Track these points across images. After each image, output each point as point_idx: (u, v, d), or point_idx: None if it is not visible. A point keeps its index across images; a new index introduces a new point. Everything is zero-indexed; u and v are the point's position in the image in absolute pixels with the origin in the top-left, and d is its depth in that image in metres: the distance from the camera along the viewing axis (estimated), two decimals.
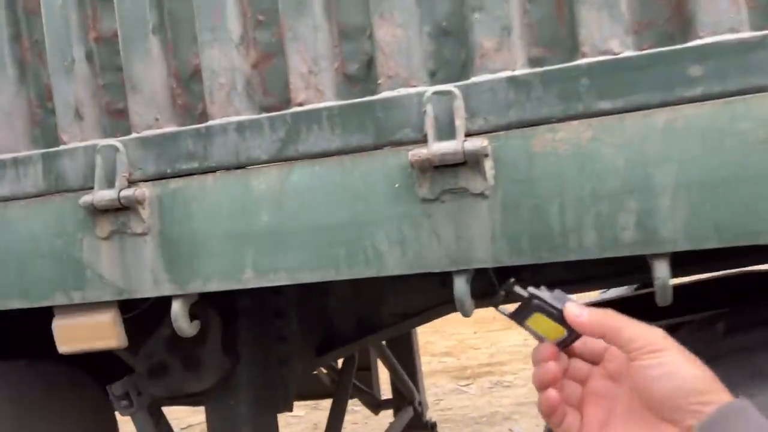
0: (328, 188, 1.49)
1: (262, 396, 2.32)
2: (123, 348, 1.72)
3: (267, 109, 1.58)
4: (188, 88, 1.64)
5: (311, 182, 1.50)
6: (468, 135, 1.39)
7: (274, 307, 2.38)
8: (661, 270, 1.29)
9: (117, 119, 1.70)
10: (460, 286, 1.43)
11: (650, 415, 0.72)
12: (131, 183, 1.62)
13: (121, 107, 1.67)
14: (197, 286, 1.58)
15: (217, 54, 1.55)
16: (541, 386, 0.80)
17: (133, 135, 1.63)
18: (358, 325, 2.55)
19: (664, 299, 1.31)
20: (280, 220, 1.52)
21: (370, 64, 1.51)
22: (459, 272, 1.42)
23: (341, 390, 3.46)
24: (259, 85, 1.59)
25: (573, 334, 0.82)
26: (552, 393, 0.79)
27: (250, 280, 1.54)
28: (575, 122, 1.33)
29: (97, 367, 2.53)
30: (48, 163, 1.69)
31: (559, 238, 1.34)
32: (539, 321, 0.83)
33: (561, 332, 0.81)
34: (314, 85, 1.49)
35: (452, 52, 1.46)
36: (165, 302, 1.65)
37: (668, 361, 0.71)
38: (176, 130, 1.59)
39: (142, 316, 1.88)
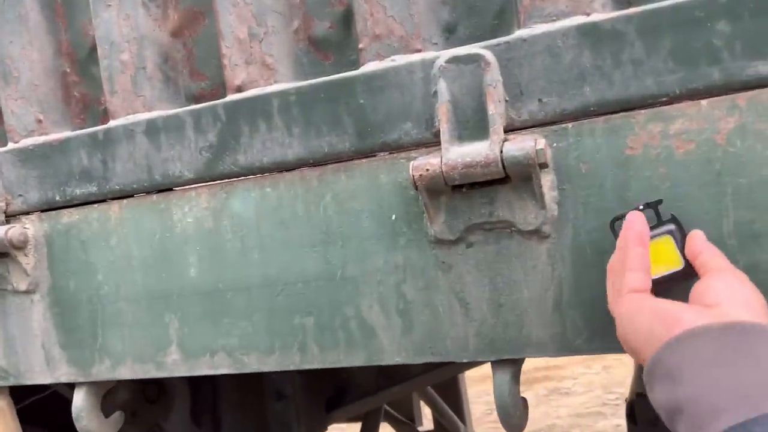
0: (285, 222, 0.93)
1: None
2: None
3: (198, 99, 1.03)
4: (88, 73, 1.10)
5: (259, 213, 0.94)
6: (511, 130, 0.81)
7: None
8: None
9: None
10: (502, 386, 0.85)
11: None
12: (9, 217, 1.09)
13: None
14: (104, 372, 1.05)
15: (116, 17, 1.00)
16: None
17: (10, 146, 1.10)
18: (380, 372, 2.00)
19: None
20: (216, 273, 0.97)
21: (348, 19, 0.93)
22: (501, 364, 0.85)
23: (370, 418, 2.92)
24: (185, 62, 1.03)
25: (685, 272, 0.73)
26: None
27: (176, 364, 1.00)
28: (705, 102, 0.73)
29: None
30: None
31: None
32: (655, 248, 0.74)
33: (675, 265, 0.73)
34: (259, 56, 0.93)
35: None
36: None
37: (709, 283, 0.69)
38: (64, 136, 1.05)
39: None
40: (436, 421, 3.56)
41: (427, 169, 0.80)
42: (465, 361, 0.85)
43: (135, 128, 0.99)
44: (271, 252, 0.94)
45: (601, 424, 5.32)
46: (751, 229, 0.72)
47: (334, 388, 2.05)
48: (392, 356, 0.88)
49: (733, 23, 0.72)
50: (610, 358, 6.99)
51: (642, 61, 0.75)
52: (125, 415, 1.48)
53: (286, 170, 0.93)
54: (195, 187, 0.97)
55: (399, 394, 2.22)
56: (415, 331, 0.87)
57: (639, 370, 2.05)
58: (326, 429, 2.09)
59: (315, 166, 0.91)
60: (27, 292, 1.09)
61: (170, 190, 1.00)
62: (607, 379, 6.18)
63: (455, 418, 3.43)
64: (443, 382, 3.30)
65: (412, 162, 0.81)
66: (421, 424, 3.75)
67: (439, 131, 0.83)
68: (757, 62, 0.71)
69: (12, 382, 1.13)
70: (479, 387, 6.07)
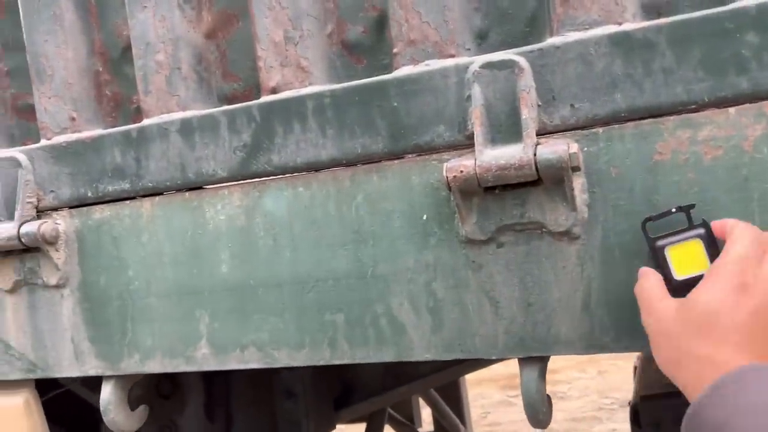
0: (317, 221, 0.95)
1: None
2: None
3: (230, 100, 1.06)
4: (120, 72, 1.12)
5: (292, 211, 0.96)
6: (543, 134, 0.83)
7: None
8: None
9: (28, 120, 1.19)
10: (530, 383, 0.87)
11: None
12: (41, 212, 1.11)
13: (33, 102, 1.16)
14: (132, 366, 1.07)
15: (152, 18, 1.02)
16: None
17: (42, 142, 1.12)
18: (386, 373, 2.02)
19: None
20: (248, 270, 0.99)
21: (381, 24, 0.96)
22: (528, 361, 0.87)
23: (375, 418, 2.94)
24: (218, 63, 1.06)
25: None
26: None
27: (206, 359, 1.02)
28: (734, 110, 0.76)
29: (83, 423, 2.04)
30: None
31: None
32: (684, 251, 0.76)
33: (702, 268, 0.74)
34: (294, 59, 0.95)
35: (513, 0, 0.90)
36: None
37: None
38: (98, 134, 1.07)
39: None
40: (436, 422, 3.57)
41: (461, 171, 0.83)
42: (494, 357, 0.88)
43: (169, 127, 1.01)
44: (302, 250, 0.96)
45: (597, 428, 5.34)
46: None
47: (342, 388, 2.07)
48: (422, 353, 0.91)
49: (761, 35, 0.75)
50: (606, 363, 7.03)
51: (672, 70, 0.78)
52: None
53: (319, 170, 0.95)
54: (227, 186, 1.00)
55: (405, 394, 2.24)
56: (444, 328, 0.90)
57: (642, 372, 2.07)
58: (334, 427, 2.12)
59: (347, 166, 0.93)
60: (57, 286, 1.11)
61: (202, 188, 1.02)
62: (602, 383, 6.21)
63: (456, 420, 3.44)
64: (445, 384, 3.31)
65: (445, 163, 0.84)
66: (420, 425, 3.76)
67: (471, 134, 0.85)
68: None
69: (39, 374, 1.15)
70: (475, 390, 6.08)
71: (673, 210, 0.77)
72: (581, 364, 6.67)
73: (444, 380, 2.20)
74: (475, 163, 0.82)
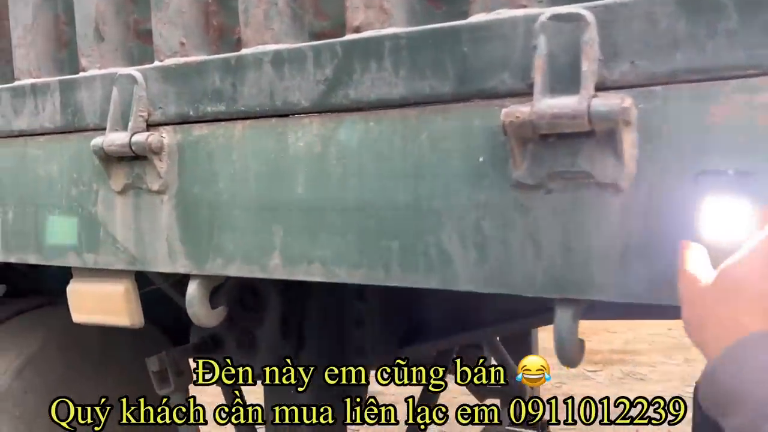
0: (384, 154, 1.03)
1: (328, 387, 1.96)
2: (138, 327, 1.41)
3: (319, 37, 1.15)
4: (226, 4, 1.24)
5: (362, 144, 1.05)
6: (602, 89, 0.87)
7: (354, 288, 1.99)
8: None
9: (146, 43, 1.34)
10: (563, 322, 0.93)
11: None
12: (150, 125, 1.26)
13: (150, 28, 1.31)
14: (216, 267, 1.21)
15: None
16: None
17: (156, 63, 1.26)
18: (452, 317, 2.11)
19: None
20: (320, 193, 1.09)
21: None
22: (564, 303, 0.93)
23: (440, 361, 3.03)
24: (311, 2, 1.14)
25: None
26: None
27: (276, 268, 1.14)
28: None
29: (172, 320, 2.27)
30: (66, 93, 1.37)
31: None
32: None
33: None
34: (377, 1, 1.02)
35: None
36: None
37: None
38: (202, 59, 1.20)
39: None
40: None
41: (517, 116, 0.88)
42: (529, 295, 0.94)
43: (263, 57, 1.12)
44: (368, 180, 1.05)
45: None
46: None
47: (409, 327, 2.18)
48: (465, 284, 0.98)
49: None
50: (695, 352, 6.78)
51: (736, 33, 0.79)
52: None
53: (390, 107, 1.03)
54: (309, 116, 1.09)
55: (470, 339, 2.33)
56: (487, 264, 0.96)
57: None
58: (394, 362, 2.25)
59: (415, 105, 1.00)
60: (158, 192, 1.26)
61: (287, 116, 1.12)
62: (686, 371, 6.00)
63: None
64: (517, 337, 3.35)
65: (504, 109, 0.89)
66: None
67: (532, 83, 0.90)
68: None
69: (138, 267, 1.32)
70: (552, 360, 6.07)
71: (730, 172, 0.79)
72: (667, 350, 6.47)
73: (508, 331, 2.25)
74: (533, 111, 0.87)
